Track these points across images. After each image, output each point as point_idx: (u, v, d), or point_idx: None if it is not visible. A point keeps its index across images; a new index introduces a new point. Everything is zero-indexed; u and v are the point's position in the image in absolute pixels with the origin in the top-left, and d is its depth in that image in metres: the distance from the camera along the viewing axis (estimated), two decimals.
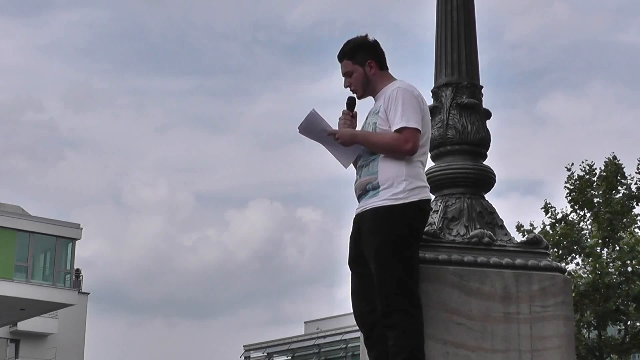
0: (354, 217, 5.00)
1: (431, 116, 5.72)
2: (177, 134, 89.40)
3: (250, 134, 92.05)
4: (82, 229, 39.47)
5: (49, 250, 38.42)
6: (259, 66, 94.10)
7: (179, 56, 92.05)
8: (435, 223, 5.43)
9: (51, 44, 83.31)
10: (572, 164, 23.70)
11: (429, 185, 5.00)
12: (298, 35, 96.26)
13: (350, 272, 5.04)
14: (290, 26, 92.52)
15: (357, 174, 5.02)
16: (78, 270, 43.75)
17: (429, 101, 5.78)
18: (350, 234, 5.05)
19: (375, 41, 5.05)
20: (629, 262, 21.99)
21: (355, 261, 4.98)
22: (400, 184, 4.81)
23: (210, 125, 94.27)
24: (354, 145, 4.94)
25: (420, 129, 4.85)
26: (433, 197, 5.64)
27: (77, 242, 39.28)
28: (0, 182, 67.22)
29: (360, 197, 4.96)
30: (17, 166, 75.75)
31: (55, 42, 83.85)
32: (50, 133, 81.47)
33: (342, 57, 5.04)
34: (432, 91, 5.82)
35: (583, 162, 23.71)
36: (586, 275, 21.86)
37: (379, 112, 4.93)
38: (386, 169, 4.85)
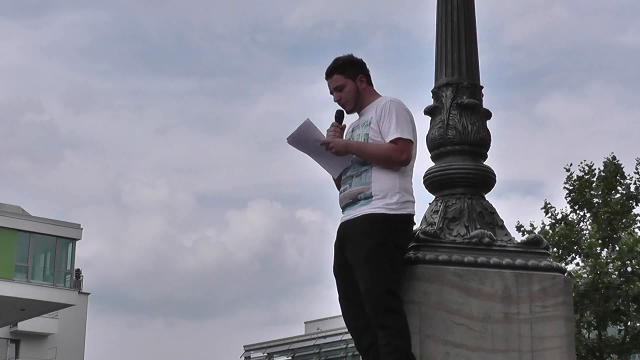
0: (340, 224, 5.06)
1: (431, 116, 5.76)
2: (176, 134, 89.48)
3: (250, 134, 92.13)
4: (82, 229, 39.44)
5: (49, 250, 38.38)
6: (258, 67, 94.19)
7: (178, 57, 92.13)
8: (435, 223, 5.43)
9: (51, 44, 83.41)
10: (571, 164, 23.72)
11: (415, 200, 5.08)
12: (297, 37, 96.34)
13: (335, 279, 5.10)
14: (289, 27, 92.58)
15: (345, 183, 5.07)
16: (78, 270, 43.73)
17: (429, 101, 5.80)
18: (334, 241, 5.10)
19: (362, 59, 5.20)
20: (628, 262, 21.99)
21: (342, 267, 5.04)
22: (394, 195, 4.92)
23: (210, 125, 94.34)
24: (346, 155, 5.00)
25: (414, 141, 4.96)
26: (433, 198, 5.67)
27: (77, 242, 39.27)
28: (0, 182, 67.26)
29: (347, 206, 5.03)
30: (17, 166, 75.81)
31: (55, 43, 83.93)
32: (49, 134, 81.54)
33: (332, 71, 5.16)
34: (432, 91, 5.82)
35: (581, 162, 23.74)
36: (586, 275, 21.85)
37: (370, 123, 5.03)
38: (380, 180, 4.94)
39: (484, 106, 5.78)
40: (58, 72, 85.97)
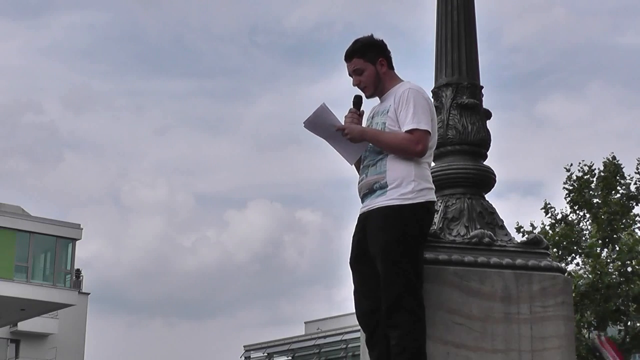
0: (359, 215, 5.00)
1: None
2: (176, 135, 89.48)
3: (250, 135, 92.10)
4: (82, 229, 39.44)
5: (49, 250, 38.38)
6: (258, 68, 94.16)
7: (177, 58, 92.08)
8: (435, 223, 5.43)
9: (51, 45, 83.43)
10: (571, 164, 23.72)
11: (434, 187, 5.02)
12: (297, 38, 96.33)
13: (351, 272, 5.04)
14: (289, 28, 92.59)
15: (362, 173, 5.01)
16: (78, 270, 43.72)
17: None
18: (353, 233, 5.04)
19: (383, 40, 5.08)
20: (628, 262, 22.00)
21: (358, 260, 4.98)
22: (409, 184, 4.83)
23: (210, 126, 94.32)
24: (361, 142, 4.95)
25: (430, 131, 4.88)
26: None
27: (77, 242, 39.25)
28: (0, 182, 67.30)
29: (365, 196, 4.96)
30: (17, 167, 75.89)
31: (54, 44, 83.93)
32: (49, 134, 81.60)
33: (351, 54, 5.03)
34: (432, 91, 5.81)
35: (581, 163, 23.73)
36: (586, 275, 21.87)
37: (388, 111, 4.94)
38: (395, 169, 4.86)
39: (483, 106, 5.78)
40: (58, 72, 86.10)
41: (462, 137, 5.61)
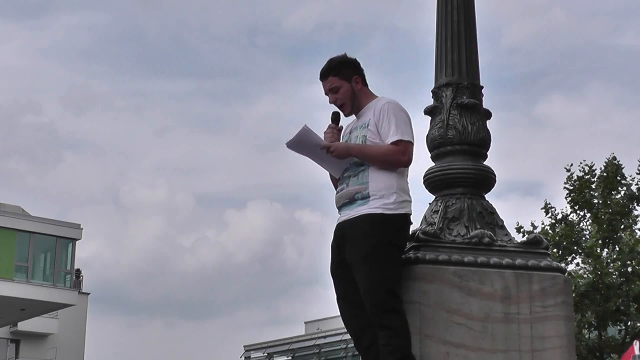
0: (337, 224, 5.07)
1: (431, 116, 5.77)
2: (176, 135, 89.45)
3: (249, 135, 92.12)
4: (82, 229, 39.43)
5: (49, 250, 38.36)
6: (258, 68, 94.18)
7: (177, 58, 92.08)
8: (435, 223, 5.44)
9: (51, 46, 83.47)
10: (571, 164, 23.73)
11: (412, 199, 5.09)
12: (296, 38, 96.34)
13: (333, 279, 5.11)
14: (288, 29, 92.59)
15: (342, 183, 5.08)
16: (78, 270, 43.70)
17: (429, 101, 5.80)
18: (331, 241, 5.11)
19: (357, 59, 5.17)
20: (628, 262, 22.01)
21: (339, 266, 5.04)
22: (392, 195, 4.93)
23: (209, 126, 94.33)
24: (347, 157, 5.01)
25: (413, 142, 4.97)
26: (433, 198, 5.67)
27: (77, 242, 39.23)
28: (0, 182, 67.29)
29: (344, 206, 5.03)
30: (16, 167, 75.91)
31: (54, 45, 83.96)
32: (49, 135, 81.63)
33: (327, 73, 5.12)
34: (432, 91, 5.82)
35: (581, 163, 23.73)
36: (586, 275, 21.88)
37: (368, 125, 5.02)
38: (378, 180, 4.94)
39: (483, 106, 5.78)
40: (58, 73, 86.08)
41: (462, 137, 5.61)
